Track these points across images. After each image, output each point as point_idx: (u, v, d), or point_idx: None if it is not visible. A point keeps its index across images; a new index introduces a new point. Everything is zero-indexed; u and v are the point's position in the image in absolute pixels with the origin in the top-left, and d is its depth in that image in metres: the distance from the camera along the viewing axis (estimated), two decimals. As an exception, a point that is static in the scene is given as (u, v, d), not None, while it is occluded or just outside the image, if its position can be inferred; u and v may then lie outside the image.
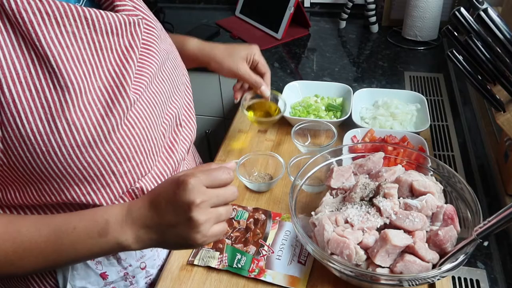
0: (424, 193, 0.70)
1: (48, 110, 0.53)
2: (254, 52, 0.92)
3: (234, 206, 0.86)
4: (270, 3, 1.67)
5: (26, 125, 0.53)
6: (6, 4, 0.49)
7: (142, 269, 0.74)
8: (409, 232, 0.66)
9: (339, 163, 0.84)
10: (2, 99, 0.51)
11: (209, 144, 1.69)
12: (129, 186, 0.63)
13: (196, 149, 0.98)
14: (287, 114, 1.08)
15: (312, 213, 0.75)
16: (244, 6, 1.78)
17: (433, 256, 0.64)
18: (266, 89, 0.91)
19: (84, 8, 0.55)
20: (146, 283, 0.76)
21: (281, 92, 1.14)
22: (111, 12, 0.58)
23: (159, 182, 0.68)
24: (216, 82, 1.57)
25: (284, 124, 1.08)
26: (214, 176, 0.56)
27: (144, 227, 0.57)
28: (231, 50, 0.91)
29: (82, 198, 0.61)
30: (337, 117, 1.09)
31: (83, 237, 0.57)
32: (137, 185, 0.64)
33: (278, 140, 1.06)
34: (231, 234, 0.81)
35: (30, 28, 0.51)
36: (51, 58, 0.52)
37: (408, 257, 0.63)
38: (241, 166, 0.92)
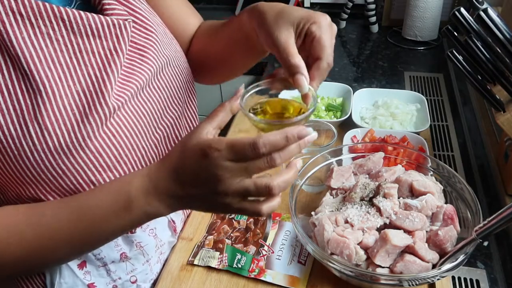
0: (424, 193, 0.70)
1: (20, 113, 0.51)
2: (315, 19, 0.56)
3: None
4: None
5: None
6: None
7: (133, 282, 0.71)
8: (409, 232, 0.66)
9: (339, 163, 0.84)
10: None
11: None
12: None
13: None
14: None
15: (312, 213, 0.75)
16: (244, 6, 1.78)
17: (433, 256, 0.64)
18: (303, 80, 0.55)
19: (62, 9, 0.53)
20: None
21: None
22: (93, 14, 0.55)
23: None
24: (216, 82, 1.56)
25: (284, 124, 1.08)
26: (239, 151, 0.48)
27: (171, 197, 0.53)
28: (285, 10, 0.58)
29: None
30: (337, 117, 1.09)
31: (109, 213, 0.54)
32: None
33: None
34: (231, 234, 0.81)
35: (2, 29, 0.49)
36: (23, 60, 0.51)
37: (408, 257, 0.63)
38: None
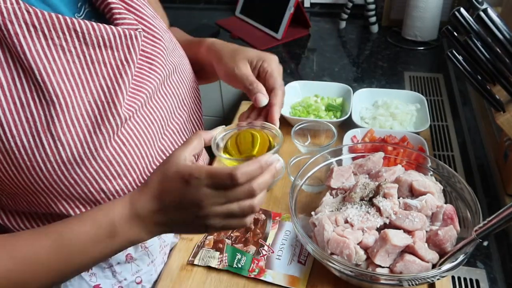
0: (424, 193, 0.70)
1: (33, 124, 0.51)
2: (266, 58, 0.70)
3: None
4: (270, 3, 1.67)
5: (10, 139, 0.51)
6: None
7: (138, 283, 0.72)
8: (408, 232, 0.66)
9: (339, 163, 0.84)
10: None
11: (209, 144, 1.69)
12: None
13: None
14: (287, 114, 1.08)
15: (312, 213, 0.75)
16: (244, 6, 1.78)
17: (433, 256, 0.64)
18: (262, 97, 0.66)
19: (75, 20, 0.53)
20: None
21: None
22: (105, 25, 0.56)
23: None
24: (216, 82, 1.57)
25: (284, 124, 1.08)
26: (218, 182, 0.51)
27: (153, 224, 0.54)
28: (239, 49, 0.73)
29: (71, 212, 0.59)
30: (337, 117, 1.09)
31: (91, 243, 0.53)
32: None
33: (278, 140, 1.06)
34: (231, 234, 0.81)
35: (15, 41, 0.49)
36: (36, 72, 0.51)
37: (408, 257, 0.63)
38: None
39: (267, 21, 1.66)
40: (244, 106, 1.20)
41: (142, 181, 0.62)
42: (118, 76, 0.57)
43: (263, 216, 0.83)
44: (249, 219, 0.55)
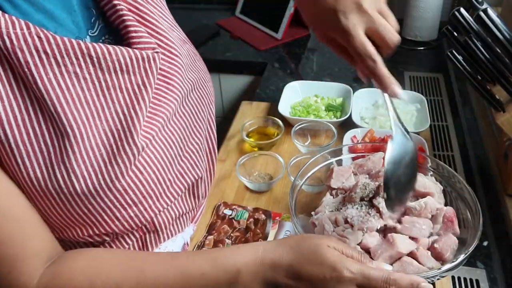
0: (424, 193, 0.70)
1: (47, 155, 0.50)
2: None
3: (234, 206, 0.86)
4: (270, 3, 1.67)
5: (23, 170, 0.50)
6: (1, 43, 0.45)
7: None
8: (413, 238, 0.66)
9: (339, 163, 0.84)
10: None
11: (209, 144, 1.69)
12: (139, 226, 0.60)
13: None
14: (287, 114, 1.08)
15: (312, 213, 0.75)
16: (244, 6, 1.78)
17: (433, 264, 0.63)
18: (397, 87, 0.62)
19: (89, 44, 0.50)
20: None
21: (281, 91, 1.14)
22: (120, 47, 0.53)
23: (173, 217, 0.65)
24: (216, 81, 1.57)
25: (284, 124, 1.08)
26: (371, 283, 0.50)
27: (273, 285, 0.52)
28: None
29: (87, 238, 0.58)
30: (337, 117, 1.09)
31: (211, 284, 0.52)
32: (149, 220, 0.61)
33: (278, 140, 1.06)
34: (231, 234, 0.81)
35: (26, 70, 0.47)
36: (49, 102, 0.48)
37: (406, 258, 0.63)
38: (241, 166, 0.92)
39: (267, 21, 1.66)
40: (244, 106, 1.20)
41: (159, 206, 0.60)
42: (135, 101, 0.54)
43: (263, 216, 0.83)
44: None
